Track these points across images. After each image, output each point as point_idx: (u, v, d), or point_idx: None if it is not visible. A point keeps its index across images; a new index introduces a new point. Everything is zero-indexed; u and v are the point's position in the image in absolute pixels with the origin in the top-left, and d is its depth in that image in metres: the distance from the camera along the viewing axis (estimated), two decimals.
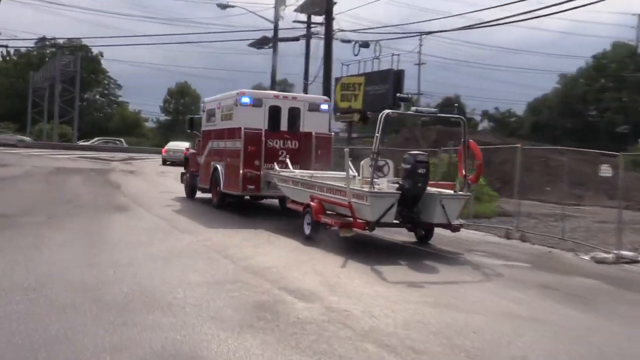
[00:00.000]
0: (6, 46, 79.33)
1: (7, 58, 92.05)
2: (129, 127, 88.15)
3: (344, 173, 12.61)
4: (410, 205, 11.62)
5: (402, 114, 15.84)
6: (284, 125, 16.98)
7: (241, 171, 16.15)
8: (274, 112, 16.98)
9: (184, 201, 19.55)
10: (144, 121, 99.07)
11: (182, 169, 22.74)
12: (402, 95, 15.66)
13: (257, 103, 16.89)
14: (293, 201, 14.24)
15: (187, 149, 23.83)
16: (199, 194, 20.10)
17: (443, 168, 20.79)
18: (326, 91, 28.36)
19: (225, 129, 17.73)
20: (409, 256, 11.55)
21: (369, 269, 9.85)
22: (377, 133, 11.46)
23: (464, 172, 12.67)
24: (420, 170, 11.43)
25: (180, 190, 21.08)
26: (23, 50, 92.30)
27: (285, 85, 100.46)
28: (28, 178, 25.46)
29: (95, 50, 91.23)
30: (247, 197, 17.70)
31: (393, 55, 32.39)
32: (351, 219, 11.65)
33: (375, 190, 11.48)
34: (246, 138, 16.24)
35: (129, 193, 21.40)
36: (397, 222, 11.74)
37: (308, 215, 12.80)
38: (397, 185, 11.72)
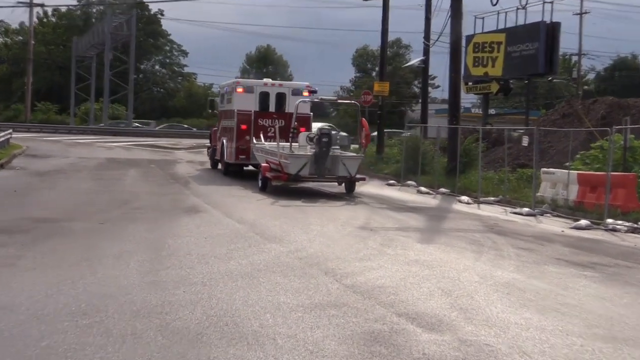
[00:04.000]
0: (42, 5, 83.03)
1: (45, 20, 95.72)
2: (198, 106, 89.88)
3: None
4: (321, 164, 21.50)
5: (312, 101, 26.58)
6: (272, 108, 27.20)
7: (234, 144, 26.53)
8: (264, 96, 27.22)
9: (268, 200, 20.12)
10: (217, 97, 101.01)
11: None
12: (310, 88, 26.98)
13: (249, 90, 27.18)
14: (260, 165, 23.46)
15: (213, 127, 33.26)
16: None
17: (616, 154, 20.19)
18: (454, 53, 27.76)
19: (228, 110, 28.18)
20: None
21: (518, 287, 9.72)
22: (295, 115, 22.84)
23: (361, 140, 23.60)
24: (324, 139, 21.50)
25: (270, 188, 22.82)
26: (63, 9, 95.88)
27: (398, 47, 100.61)
28: (74, 172, 26.65)
29: (153, 8, 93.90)
30: (251, 167, 27.07)
31: (545, 2, 31.67)
32: (281, 173, 21.64)
33: (293, 152, 21.87)
34: (238, 118, 26.46)
35: (200, 191, 22.01)
36: (314, 175, 21.75)
37: (260, 173, 22.85)
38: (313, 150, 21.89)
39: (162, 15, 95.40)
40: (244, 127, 26.30)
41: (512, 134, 32.50)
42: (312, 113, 27.78)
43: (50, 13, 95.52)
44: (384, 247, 12.96)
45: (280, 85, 28.23)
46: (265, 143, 24.66)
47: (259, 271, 10.28)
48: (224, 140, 28.00)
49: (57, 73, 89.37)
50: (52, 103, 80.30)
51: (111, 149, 42.77)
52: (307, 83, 28.31)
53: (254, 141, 25.46)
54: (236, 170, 27.67)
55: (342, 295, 9.06)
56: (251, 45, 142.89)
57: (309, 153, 22.31)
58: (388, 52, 43.99)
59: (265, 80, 29.16)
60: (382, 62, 36.60)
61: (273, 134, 24.48)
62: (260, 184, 22.69)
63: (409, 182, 27.18)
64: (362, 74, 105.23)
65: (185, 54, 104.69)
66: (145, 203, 18.45)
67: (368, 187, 24.80)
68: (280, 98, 27.28)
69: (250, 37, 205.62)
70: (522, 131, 32.21)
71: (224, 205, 18.54)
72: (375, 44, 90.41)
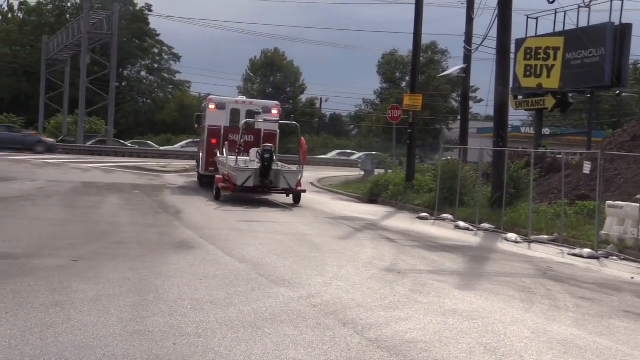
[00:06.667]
0: None
1: (10, 16, 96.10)
2: (192, 120, 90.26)
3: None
4: (264, 177, 28.93)
5: (257, 121, 33.93)
6: (242, 124, 33.86)
7: (204, 157, 35.02)
8: (235, 113, 35.24)
9: (276, 236, 20.04)
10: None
11: None
12: (254, 111, 34.48)
13: (221, 106, 35.36)
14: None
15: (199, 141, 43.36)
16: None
17: None
18: (502, 60, 27.71)
19: (203, 126, 36.51)
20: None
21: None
22: (241, 131, 32.37)
23: (300, 156, 31.76)
24: (266, 155, 28.84)
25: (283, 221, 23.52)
26: (32, 3, 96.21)
27: (433, 52, 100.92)
28: (42, 199, 26.75)
29: (139, 3, 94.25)
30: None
31: (613, 0, 31.70)
32: (230, 184, 29.75)
33: (239, 166, 29.57)
34: (209, 133, 34.75)
35: (194, 222, 22.06)
36: (258, 186, 29.03)
37: (215, 183, 30.79)
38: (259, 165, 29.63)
39: (150, 11, 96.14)
40: (214, 141, 34.66)
41: (570, 159, 32.46)
42: (278, 130, 35.73)
43: (16, 7, 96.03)
44: (415, 294, 12.94)
45: (251, 103, 37.21)
46: (227, 157, 31.82)
47: (264, 320, 10.29)
48: (201, 154, 36.91)
49: (24, 79, 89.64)
50: (16, 115, 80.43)
51: (88, 171, 43.00)
52: (277, 102, 38.35)
53: (218, 155, 33.61)
54: (210, 182, 34.01)
55: (364, 351, 9.06)
56: (256, 48, 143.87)
57: (255, 167, 29.56)
58: (421, 59, 44.05)
59: (237, 98, 39.84)
60: (413, 71, 36.57)
61: (242, 149, 31.81)
62: (214, 193, 30.70)
63: (445, 215, 27.21)
64: (389, 84, 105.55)
65: (177, 58, 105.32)
66: (127, 236, 18.49)
67: (395, 221, 24.81)
68: (251, 115, 34.81)
69: (255, 39, 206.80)
70: (583, 155, 32.19)
71: (222, 239, 18.59)
72: (405, 48, 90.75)
